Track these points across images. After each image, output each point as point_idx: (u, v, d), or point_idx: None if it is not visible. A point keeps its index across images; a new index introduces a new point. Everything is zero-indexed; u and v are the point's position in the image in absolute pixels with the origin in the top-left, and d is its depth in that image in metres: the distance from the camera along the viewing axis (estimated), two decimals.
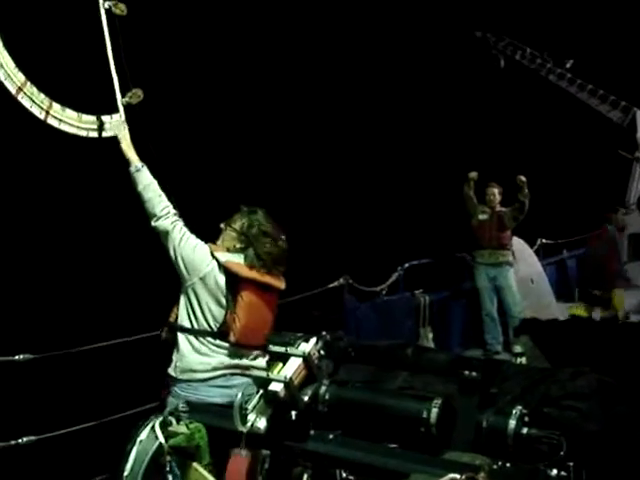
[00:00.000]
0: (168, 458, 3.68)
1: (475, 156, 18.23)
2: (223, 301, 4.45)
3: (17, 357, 5.37)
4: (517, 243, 11.66)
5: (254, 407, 3.58)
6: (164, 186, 4.66)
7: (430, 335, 10.21)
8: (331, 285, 8.85)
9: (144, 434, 3.82)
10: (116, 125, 4.77)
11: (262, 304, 4.56)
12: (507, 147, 22.11)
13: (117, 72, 4.85)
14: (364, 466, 3.41)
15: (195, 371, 4.44)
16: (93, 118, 4.75)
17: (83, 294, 11.32)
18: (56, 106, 4.56)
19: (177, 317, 4.55)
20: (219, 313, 4.45)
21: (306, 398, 3.64)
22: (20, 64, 4.37)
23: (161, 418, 3.84)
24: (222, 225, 4.72)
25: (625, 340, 8.75)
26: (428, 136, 23.15)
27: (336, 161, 20.36)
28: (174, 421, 3.81)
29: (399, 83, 22.61)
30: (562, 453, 3.20)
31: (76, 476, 6.17)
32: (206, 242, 4.61)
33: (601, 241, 14.56)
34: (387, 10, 22.86)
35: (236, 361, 4.50)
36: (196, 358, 4.45)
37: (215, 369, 4.43)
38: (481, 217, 10.77)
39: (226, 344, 4.47)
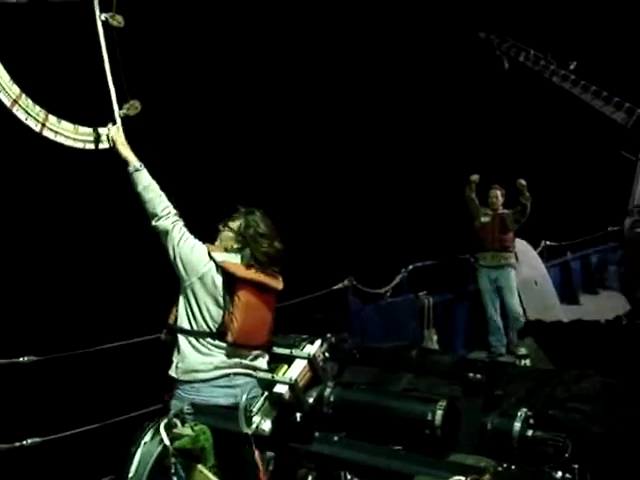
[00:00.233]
0: (173, 460, 3.68)
1: (478, 158, 18.23)
2: (221, 301, 4.45)
3: (21, 359, 5.37)
4: (521, 245, 11.66)
5: (259, 409, 3.58)
6: (163, 187, 4.66)
7: (434, 337, 10.19)
8: (335, 287, 8.84)
9: (149, 436, 3.83)
10: (110, 128, 4.76)
11: (260, 304, 4.55)
12: (510, 149, 22.08)
13: (114, 84, 4.84)
14: (369, 468, 3.41)
15: (197, 371, 4.43)
16: (89, 130, 4.72)
17: (87, 296, 11.31)
18: (52, 118, 4.53)
19: (176, 318, 4.55)
20: (217, 313, 4.45)
21: (311, 400, 3.64)
22: (16, 77, 4.36)
23: (166, 420, 3.84)
24: (220, 226, 4.72)
25: (629, 342, 8.74)
26: (431, 138, 23.13)
27: (340, 163, 20.34)
28: (179, 423, 3.82)
29: (402, 84, 22.59)
30: (567, 455, 3.20)
31: (81, 478, 6.17)
32: (204, 242, 4.61)
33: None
34: (390, 10, 22.85)
35: (237, 360, 4.49)
36: (198, 358, 4.44)
37: (217, 368, 4.43)
38: (483, 219, 10.76)
39: (225, 344, 4.47)
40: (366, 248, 16.96)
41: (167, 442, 3.71)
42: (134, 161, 4.64)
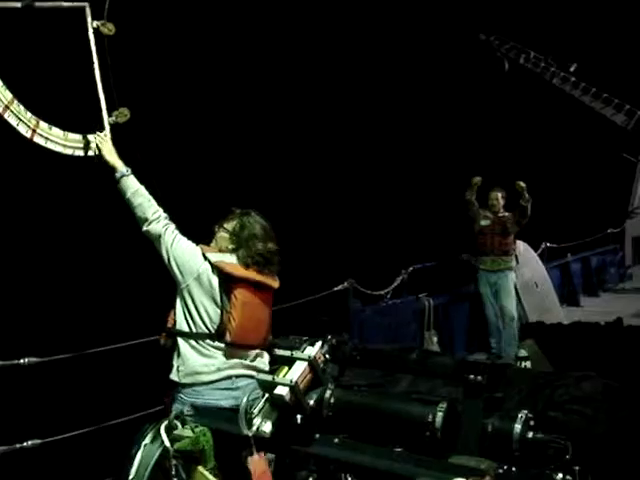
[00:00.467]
0: (173, 462, 3.68)
1: (478, 159, 18.24)
2: (218, 301, 4.44)
3: (22, 361, 5.37)
4: (521, 247, 11.62)
5: (260, 411, 3.58)
6: (165, 192, 4.66)
7: (435, 338, 10.17)
8: (336, 289, 8.84)
9: (149, 438, 3.83)
10: (97, 135, 4.75)
11: (256, 303, 4.55)
12: (511, 151, 22.10)
13: (104, 91, 4.83)
14: (369, 470, 3.41)
15: (199, 373, 4.43)
16: (79, 137, 4.72)
17: (87, 299, 11.32)
18: (43, 124, 4.53)
19: (175, 322, 4.54)
20: (215, 314, 4.45)
21: (311, 402, 3.64)
22: (7, 83, 4.36)
23: (166, 422, 3.84)
24: (215, 227, 4.72)
25: (630, 344, 8.74)
26: (431, 139, 23.15)
27: (341, 166, 20.37)
28: (179, 425, 3.82)
29: (403, 86, 22.61)
30: (568, 457, 3.20)
31: (81, 479, 6.18)
32: (198, 244, 4.61)
33: None
34: (391, 13, 22.88)
35: (238, 361, 4.49)
36: (199, 360, 4.44)
37: (219, 370, 4.42)
38: (483, 223, 10.60)
39: (224, 345, 4.47)
40: (366, 250, 16.98)
41: (167, 444, 3.71)
42: (121, 167, 4.62)
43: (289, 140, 19.31)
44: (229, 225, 4.63)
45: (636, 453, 3.56)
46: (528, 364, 9.06)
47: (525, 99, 22.20)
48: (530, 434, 3.32)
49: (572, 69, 19.84)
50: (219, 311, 4.44)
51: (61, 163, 4.73)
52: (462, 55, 21.45)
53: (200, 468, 3.71)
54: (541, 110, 22.97)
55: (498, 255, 10.58)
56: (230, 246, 4.56)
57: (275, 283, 4.65)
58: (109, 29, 4.80)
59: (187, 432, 3.75)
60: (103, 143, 4.72)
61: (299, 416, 3.60)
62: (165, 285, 4.61)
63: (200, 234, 4.74)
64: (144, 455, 3.81)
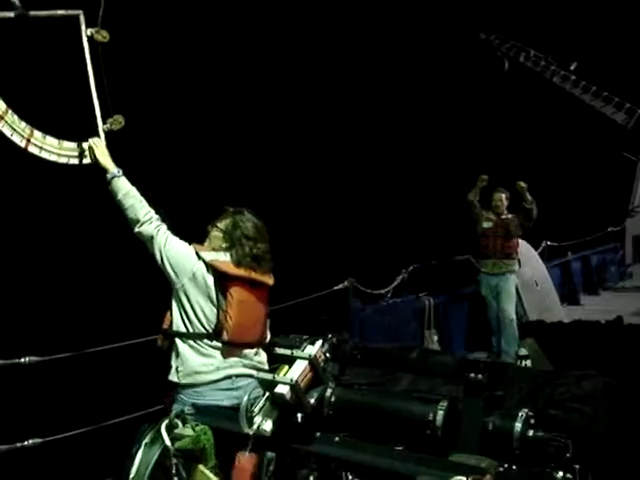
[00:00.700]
0: (174, 460, 3.68)
1: (478, 158, 18.23)
2: (214, 300, 4.44)
3: (23, 360, 5.37)
4: (522, 246, 11.58)
5: (260, 409, 3.58)
6: (160, 191, 4.66)
7: (435, 338, 10.16)
8: (336, 288, 8.84)
9: (150, 437, 3.83)
10: (91, 140, 4.74)
11: (252, 300, 4.55)
12: (511, 149, 22.09)
13: (99, 98, 4.82)
14: (370, 468, 3.41)
15: (199, 373, 4.42)
16: (74, 145, 4.69)
17: (88, 298, 11.33)
18: (37, 134, 4.50)
19: (171, 323, 4.54)
20: (211, 313, 4.44)
21: (312, 400, 3.64)
22: (1, 92, 4.35)
23: (167, 421, 3.84)
24: (208, 227, 4.72)
25: (630, 343, 8.74)
26: (432, 138, 23.15)
27: (342, 165, 20.38)
28: (180, 423, 3.82)
29: (404, 86, 22.61)
30: (568, 455, 3.20)
31: (82, 479, 6.18)
32: (190, 243, 4.61)
33: None
34: (391, 12, 22.87)
35: (237, 359, 4.48)
36: (198, 360, 4.43)
37: (219, 369, 4.42)
38: (485, 225, 10.34)
39: (222, 344, 4.47)
40: (367, 249, 16.98)
41: (168, 443, 3.71)
42: (112, 169, 4.60)
43: (291, 139, 19.32)
44: (222, 224, 4.63)
45: (636, 451, 3.56)
46: (528, 363, 9.06)
47: (525, 98, 22.20)
48: (530, 432, 3.32)
49: (572, 68, 19.83)
50: (215, 310, 4.44)
51: (58, 166, 4.71)
52: (462, 54, 21.44)
53: (201, 467, 3.71)
54: (541, 109, 22.96)
55: (500, 258, 10.35)
56: (223, 245, 4.56)
57: (270, 280, 4.65)
58: (103, 36, 4.76)
59: (188, 431, 3.75)
60: (96, 145, 4.71)
61: (300, 415, 3.60)
62: (163, 284, 4.61)
63: (194, 233, 4.74)
64: (145, 454, 3.81)
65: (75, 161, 4.72)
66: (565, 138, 24.61)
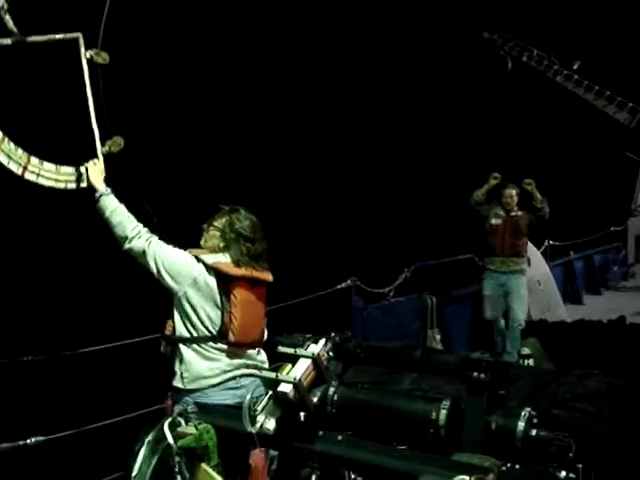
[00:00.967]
0: (177, 459, 3.69)
1: (481, 157, 18.22)
2: (218, 303, 4.43)
3: (25, 358, 5.37)
4: None
5: (263, 408, 3.59)
6: (165, 192, 4.65)
7: (437, 337, 10.13)
8: (339, 286, 8.84)
9: (152, 435, 3.83)
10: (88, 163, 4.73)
11: (254, 299, 4.57)
12: (514, 148, 22.07)
13: (98, 121, 4.76)
14: (373, 467, 3.41)
15: (206, 377, 4.42)
16: (72, 170, 4.66)
17: (92, 295, 11.33)
18: (34, 160, 4.46)
19: (174, 329, 4.52)
20: (216, 315, 4.44)
21: (315, 399, 3.64)
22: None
23: (170, 419, 3.84)
24: (204, 226, 4.71)
25: (632, 342, 8.74)
26: (435, 137, 23.14)
27: (345, 163, 20.37)
28: (183, 422, 3.82)
29: (407, 84, 22.60)
30: (571, 455, 3.20)
31: (84, 476, 6.18)
32: (185, 249, 4.60)
33: None
34: (394, 11, 22.85)
35: (242, 361, 4.49)
36: (203, 364, 4.42)
37: (225, 372, 4.42)
38: (494, 222, 9.97)
39: (227, 346, 4.46)
40: (369, 247, 16.98)
41: (171, 441, 3.72)
42: (101, 187, 4.60)
43: (293, 138, 19.31)
44: (218, 223, 4.62)
45: (639, 451, 3.56)
46: (531, 362, 9.06)
47: (528, 97, 22.18)
48: (533, 432, 3.32)
49: (575, 67, 19.81)
50: (219, 312, 4.43)
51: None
52: (465, 53, 21.43)
53: (203, 465, 3.71)
54: (544, 108, 22.95)
55: (508, 256, 10.00)
56: (221, 244, 4.56)
57: (269, 277, 4.67)
58: (103, 58, 4.73)
59: (191, 429, 3.75)
60: (93, 167, 4.69)
61: (302, 413, 3.60)
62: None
63: (192, 232, 4.74)
64: (147, 452, 3.81)
65: (73, 185, 4.67)
66: (568, 137, 24.60)
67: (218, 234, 4.59)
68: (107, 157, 4.81)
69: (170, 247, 4.51)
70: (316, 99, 19.93)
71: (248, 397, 3.61)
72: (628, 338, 9.12)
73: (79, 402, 8.11)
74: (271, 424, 3.53)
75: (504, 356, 9.87)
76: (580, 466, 3.15)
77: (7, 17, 4.34)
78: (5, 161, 4.32)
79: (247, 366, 4.48)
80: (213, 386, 4.38)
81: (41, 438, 5.37)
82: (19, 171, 4.40)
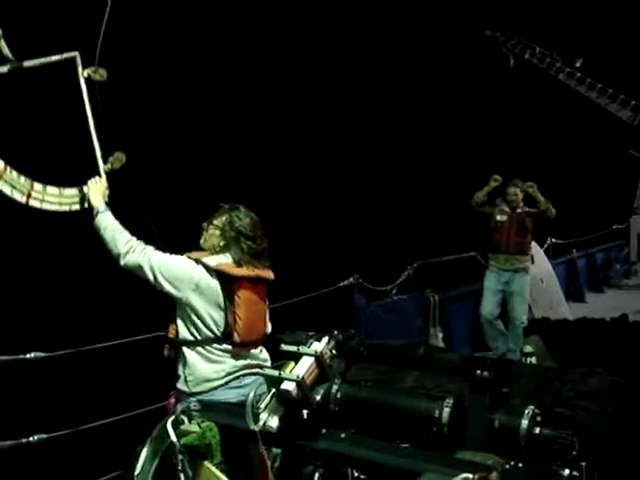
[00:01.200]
0: (180, 457, 3.68)
1: (483, 155, 18.23)
2: (221, 304, 4.43)
3: (28, 355, 5.38)
4: None
5: (266, 406, 3.58)
6: (165, 192, 4.66)
7: (440, 335, 10.14)
8: (341, 284, 8.85)
9: (155, 432, 3.83)
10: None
11: (256, 298, 4.58)
12: (516, 146, 22.08)
13: (98, 138, 4.76)
14: (376, 465, 3.41)
15: (210, 380, 4.43)
16: (75, 191, 4.68)
17: (95, 293, 11.34)
18: (37, 186, 4.46)
19: (177, 333, 4.51)
20: (220, 317, 4.43)
21: (318, 397, 3.64)
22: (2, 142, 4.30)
23: (173, 417, 3.84)
24: (204, 224, 4.70)
25: (635, 340, 8.74)
26: (436, 135, 23.13)
27: (347, 161, 20.36)
28: (186, 420, 3.81)
29: (409, 82, 22.58)
30: (574, 453, 3.19)
31: (87, 474, 6.18)
32: (185, 251, 4.59)
33: None
34: (396, 9, 22.84)
35: (247, 361, 4.50)
36: (208, 367, 4.43)
37: (229, 374, 4.43)
38: (499, 218, 9.95)
39: (231, 347, 4.47)
40: (372, 245, 16.98)
41: (174, 439, 3.71)
42: (98, 205, 4.60)
43: (295, 135, 19.30)
44: (218, 221, 4.62)
45: None
46: (533, 360, 9.06)
47: (530, 95, 22.18)
48: (537, 430, 3.31)
49: (578, 65, 19.80)
50: (223, 313, 4.43)
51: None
52: (468, 51, 21.42)
53: (206, 463, 3.71)
54: (547, 106, 22.94)
55: (513, 254, 9.99)
56: (221, 243, 4.56)
57: (271, 275, 4.68)
58: (101, 75, 4.71)
59: (194, 427, 3.74)
60: (94, 187, 4.69)
61: (305, 411, 3.60)
62: None
63: (192, 233, 4.74)
64: (150, 450, 3.81)
65: (77, 207, 4.69)
66: (570, 135, 24.58)
67: (218, 233, 4.59)
68: (110, 174, 4.80)
69: (167, 254, 4.49)
70: (318, 97, 19.93)
71: (251, 395, 3.61)
72: (630, 336, 9.12)
73: (82, 400, 8.12)
74: (274, 422, 3.52)
75: (507, 353, 9.89)
76: (583, 464, 3.14)
77: (2, 43, 4.30)
78: (8, 191, 4.30)
79: (250, 365, 4.49)
80: (217, 387, 4.40)
81: (44, 436, 5.38)
82: (23, 199, 4.40)
